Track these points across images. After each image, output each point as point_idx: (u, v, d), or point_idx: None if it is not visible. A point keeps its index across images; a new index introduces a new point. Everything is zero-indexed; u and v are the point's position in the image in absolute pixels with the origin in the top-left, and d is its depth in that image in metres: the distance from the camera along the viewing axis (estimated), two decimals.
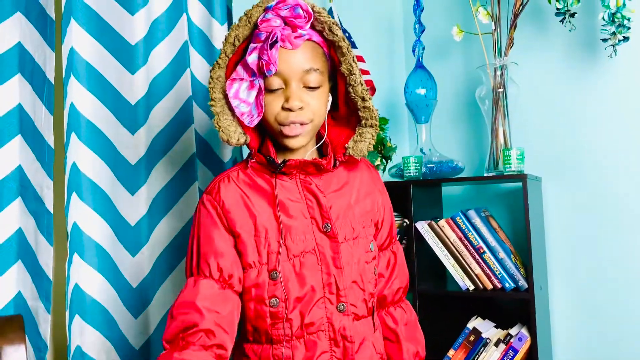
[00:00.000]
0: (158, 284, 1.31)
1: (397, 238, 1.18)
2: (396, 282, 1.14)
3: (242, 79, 0.97)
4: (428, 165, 1.78)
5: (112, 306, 1.24)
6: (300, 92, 0.96)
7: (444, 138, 1.98)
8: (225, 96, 0.99)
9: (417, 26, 1.83)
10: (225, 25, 1.47)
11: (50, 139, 1.20)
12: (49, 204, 1.18)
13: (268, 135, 1.03)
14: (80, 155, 1.22)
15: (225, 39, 0.98)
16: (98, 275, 1.23)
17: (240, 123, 1.00)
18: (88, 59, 1.24)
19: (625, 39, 1.58)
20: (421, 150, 1.82)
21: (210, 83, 0.98)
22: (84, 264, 1.21)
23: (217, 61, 0.98)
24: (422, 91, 1.80)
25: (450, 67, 2.00)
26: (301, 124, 0.97)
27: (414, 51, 1.84)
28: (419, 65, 1.83)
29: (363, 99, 1.00)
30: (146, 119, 1.31)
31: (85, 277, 1.21)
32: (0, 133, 1.13)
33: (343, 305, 0.99)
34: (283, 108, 0.96)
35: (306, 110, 0.97)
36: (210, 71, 0.99)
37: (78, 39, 1.23)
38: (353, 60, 0.99)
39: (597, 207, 1.75)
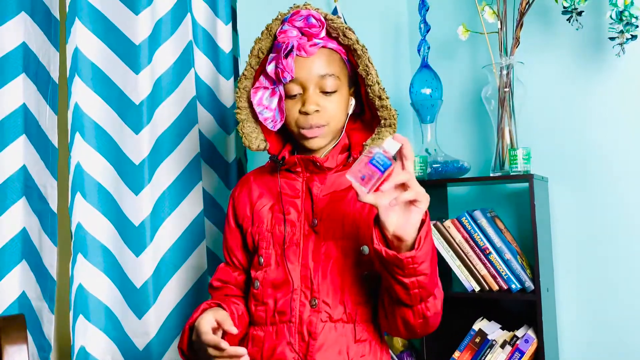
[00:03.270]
0: (162, 284, 1.31)
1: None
2: None
3: (265, 87, 1.06)
4: (433, 166, 1.77)
5: (116, 306, 1.24)
6: (317, 97, 1.03)
7: (449, 138, 1.97)
8: (250, 105, 1.07)
9: (422, 25, 1.82)
10: (230, 25, 1.47)
11: (54, 139, 1.20)
12: (53, 204, 1.19)
13: (290, 141, 1.12)
14: (84, 155, 1.22)
15: (250, 52, 1.06)
16: (102, 276, 1.23)
17: (262, 131, 1.10)
18: (92, 59, 1.24)
19: (633, 37, 1.57)
20: (426, 150, 1.81)
21: (237, 93, 1.08)
22: (88, 264, 1.21)
23: (243, 72, 1.07)
24: (427, 91, 1.79)
25: (455, 67, 1.99)
26: (318, 127, 1.04)
27: (419, 51, 1.83)
28: (425, 65, 1.82)
29: (380, 98, 1.05)
30: (150, 119, 1.31)
31: (89, 277, 1.21)
32: (5, 133, 1.13)
33: (315, 300, 1.01)
34: (300, 112, 1.04)
35: (322, 113, 1.04)
36: (237, 82, 1.07)
37: (82, 39, 1.23)
38: (369, 61, 1.05)
39: (604, 207, 1.73)
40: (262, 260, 1.05)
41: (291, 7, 1.06)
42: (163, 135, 1.33)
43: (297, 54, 1.02)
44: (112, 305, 1.24)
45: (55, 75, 1.21)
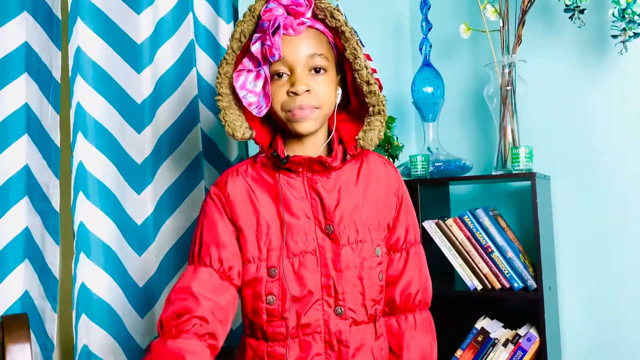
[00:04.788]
0: (164, 283, 1.31)
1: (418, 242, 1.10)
2: (406, 285, 1.06)
3: (249, 70, 0.98)
4: (435, 164, 1.76)
5: (118, 305, 1.24)
6: (306, 77, 0.96)
7: (451, 136, 1.97)
8: (233, 92, 0.99)
9: (424, 24, 1.82)
10: (232, 24, 1.47)
11: (56, 138, 1.20)
12: (56, 203, 1.19)
13: (279, 131, 1.03)
14: (87, 155, 1.22)
15: (231, 36, 0.99)
16: (104, 275, 1.23)
17: (247, 119, 1.01)
18: (94, 58, 1.25)
19: (636, 35, 1.56)
20: (428, 148, 1.81)
21: (218, 78, 0.99)
22: (91, 263, 1.21)
23: (224, 57, 0.99)
24: (429, 89, 1.79)
25: (457, 65, 1.98)
26: (309, 108, 0.96)
27: (421, 49, 1.83)
28: (426, 64, 1.82)
29: (368, 83, 0.98)
30: (152, 118, 1.31)
31: (92, 276, 1.21)
32: (7, 132, 1.13)
33: (341, 308, 0.98)
34: (289, 94, 0.96)
35: (313, 94, 0.96)
36: (218, 67, 0.99)
37: (84, 38, 1.23)
38: (357, 44, 0.98)
39: (606, 206, 1.73)
40: (276, 271, 0.97)
41: None
42: (165, 134, 1.33)
43: (284, 33, 0.95)
44: (115, 304, 1.24)
45: (57, 74, 1.21)
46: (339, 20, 0.97)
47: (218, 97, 0.99)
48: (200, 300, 0.93)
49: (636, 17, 1.53)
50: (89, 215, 1.21)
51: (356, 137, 1.01)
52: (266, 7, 0.96)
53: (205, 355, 0.92)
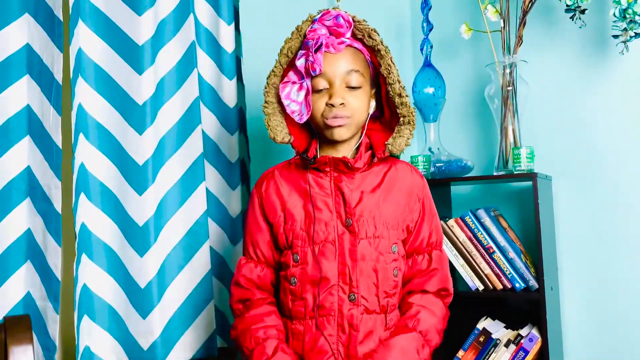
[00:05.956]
0: (166, 284, 1.31)
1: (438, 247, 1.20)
2: (424, 283, 1.15)
3: (293, 82, 1.13)
4: (437, 165, 1.76)
5: (120, 306, 1.25)
6: (343, 91, 1.10)
7: (452, 137, 1.97)
8: (277, 101, 1.14)
9: (425, 24, 1.82)
10: (232, 25, 1.48)
11: (58, 140, 1.20)
12: (58, 205, 1.19)
13: (316, 136, 1.17)
14: (88, 156, 1.22)
15: (280, 51, 1.14)
16: (106, 276, 1.23)
17: (288, 126, 1.15)
18: (95, 60, 1.25)
19: (637, 35, 1.56)
20: (430, 149, 1.81)
21: (265, 88, 1.14)
22: (92, 264, 1.21)
23: (272, 70, 1.14)
24: (430, 90, 1.79)
25: (458, 66, 1.98)
26: (342, 117, 1.10)
27: (422, 50, 1.83)
28: (427, 64, 1.82)
29: (400, 96, 1.11)
30: (154, 119, 1.31)
31: (94, 278, 1.21)
32: (9, 134, 1.13)
33: (354, 295, 1.08)
34: (327, 105, 1.11)
35: (347, 107, 1.11)
36: (267, 78, 1.14)
37: (85, 40, 1.23)
38: (391, 61, 1.12)
39: (608, 205, 1.73)
40: (298, 257, 1.11)
41: (320, 10, 1.13)
42: (166, 135, 1.33)
43: (325, 51, 1.09)
44: (117, 305, 1.24)
45: (58, 76, 1.21)
46: (375, 40, 1.12)
47: (264, 104, 1.14)
48: (253, 289, 1.16)
49: (637, 17, 1.53)
50: (90, 216, 1.21)
51: (385, 142, 1.14)
52: (311, 27, 1.11)
53: (276, 312, 1.14)
